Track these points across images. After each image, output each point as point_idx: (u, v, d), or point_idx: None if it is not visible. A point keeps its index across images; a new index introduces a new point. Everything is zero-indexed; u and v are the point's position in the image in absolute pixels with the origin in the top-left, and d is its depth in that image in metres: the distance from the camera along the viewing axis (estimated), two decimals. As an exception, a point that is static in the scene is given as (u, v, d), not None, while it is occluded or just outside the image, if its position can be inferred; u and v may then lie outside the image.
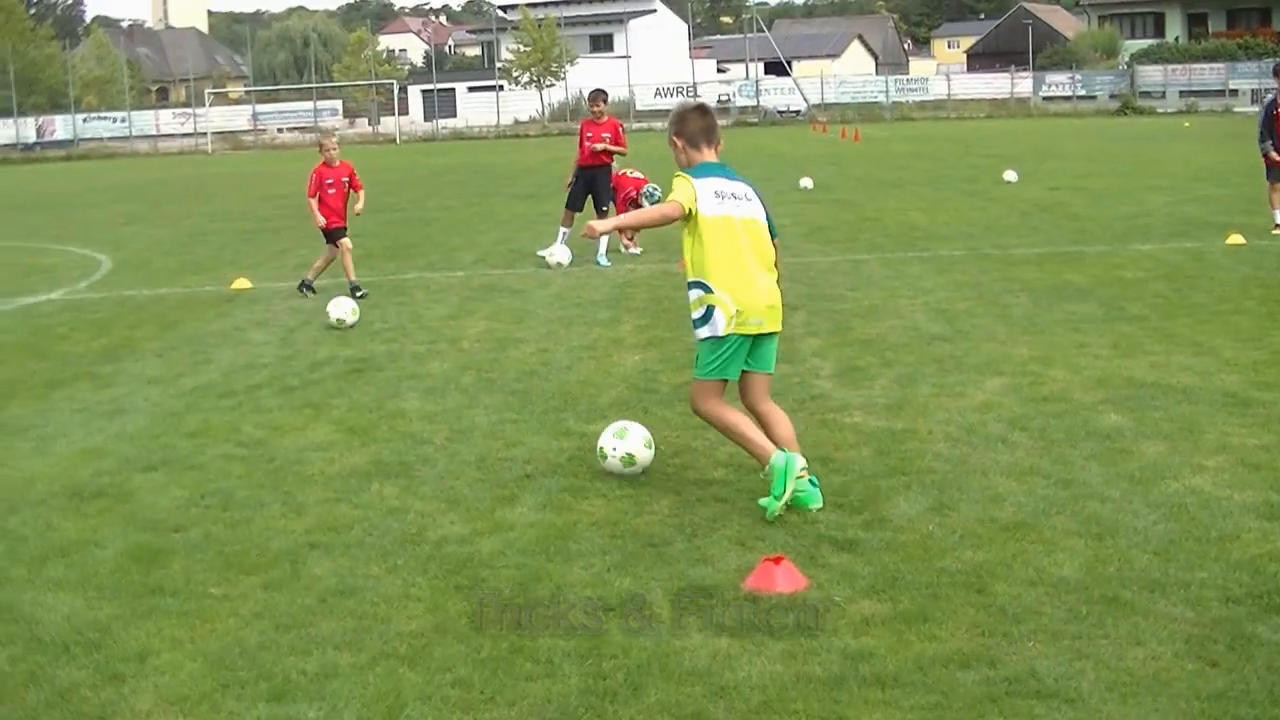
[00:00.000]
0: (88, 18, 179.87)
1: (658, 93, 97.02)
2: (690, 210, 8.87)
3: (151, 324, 18.21)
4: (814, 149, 56.71)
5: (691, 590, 7.62)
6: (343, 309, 17.10)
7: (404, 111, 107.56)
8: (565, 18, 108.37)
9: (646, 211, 9.54)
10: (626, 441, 9.95)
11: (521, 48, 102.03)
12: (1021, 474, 9.62)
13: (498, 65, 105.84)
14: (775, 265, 9.24)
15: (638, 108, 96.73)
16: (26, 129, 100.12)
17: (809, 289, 18.47)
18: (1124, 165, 40.04)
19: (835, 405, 11.90)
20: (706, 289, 8.94)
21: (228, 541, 8.85)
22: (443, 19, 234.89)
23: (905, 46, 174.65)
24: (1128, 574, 7.59)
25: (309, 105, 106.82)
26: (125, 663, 6.95)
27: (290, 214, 33.82)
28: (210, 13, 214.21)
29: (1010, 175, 35.34)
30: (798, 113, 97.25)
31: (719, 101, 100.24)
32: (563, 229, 23.04)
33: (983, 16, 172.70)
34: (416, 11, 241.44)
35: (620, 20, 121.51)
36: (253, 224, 33.17)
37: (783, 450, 8.91)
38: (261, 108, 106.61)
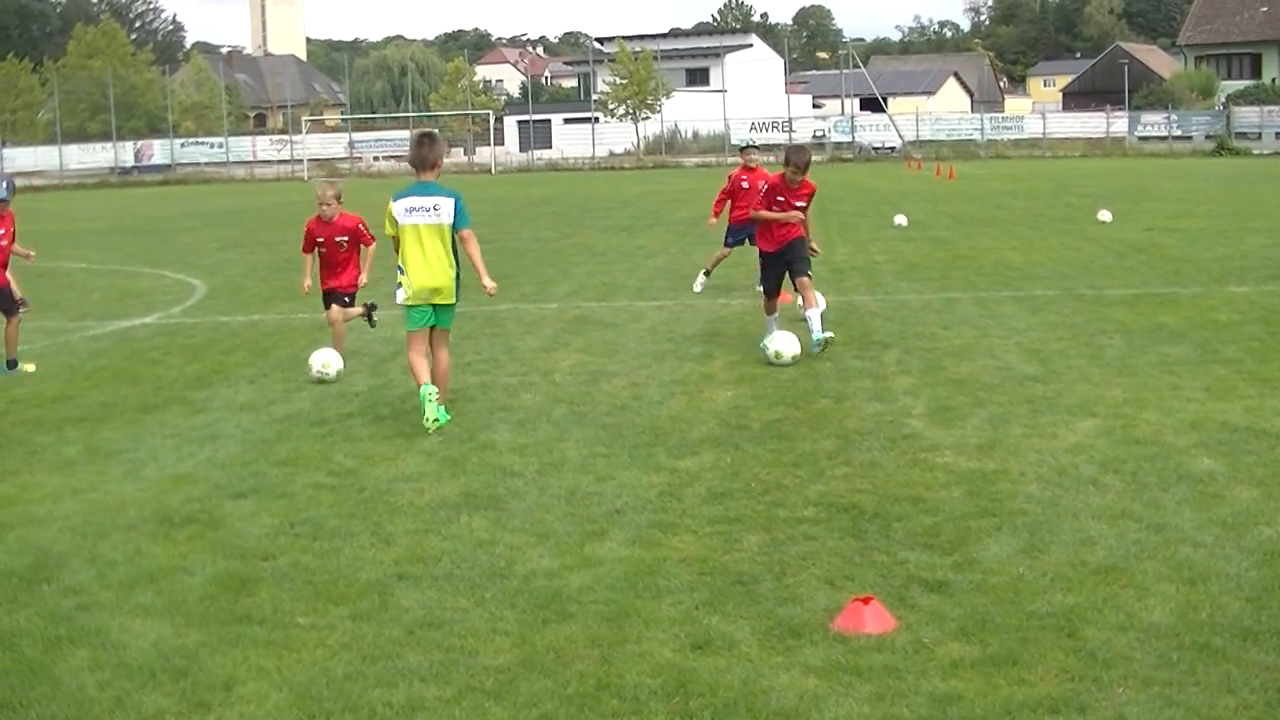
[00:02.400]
0: (188, 44, 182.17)
1: (753, 127, 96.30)
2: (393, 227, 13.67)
3: (244, 350, 18.36)
4: (909, 186, 56.55)
5: (780, 629, 7.58)
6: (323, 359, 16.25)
7: (500, 142, 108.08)
8: (662, 51, 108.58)
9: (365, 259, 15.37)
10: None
11: (618, 80, 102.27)
12: (1113, 517, 9.53)
13: (593, 97, 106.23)
14: (472, 254, 13.49)
15: (733, 142, 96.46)
16: (125, 153, 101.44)
17: (901, 326, 18.42)
18: (1220, 206, 39.72)
19: (927, 445, 11.83)
20: (401, 270, 13.49)
21: (316, 571, 8.88)
22: (540, 50, 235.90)
23: (1001, 84, 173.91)
24: (1220, 621, 7.50)
25: (405, 134, 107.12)
26: (211, 691, 6.98)
27: (384, 242, 34.00)
28: (309, 40, 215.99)
29: (1105, 215, 35.11)
30: (893, 149, 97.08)
31: (814, 137, 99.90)
32: (769, 318, 18.40)
33: (1079, 56, 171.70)
34: (514, 43, 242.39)
35: (717, 54, 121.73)
36: (347, 252, 33.28)
37: (428, 384, 13.04)
38: (358, 136, 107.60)
